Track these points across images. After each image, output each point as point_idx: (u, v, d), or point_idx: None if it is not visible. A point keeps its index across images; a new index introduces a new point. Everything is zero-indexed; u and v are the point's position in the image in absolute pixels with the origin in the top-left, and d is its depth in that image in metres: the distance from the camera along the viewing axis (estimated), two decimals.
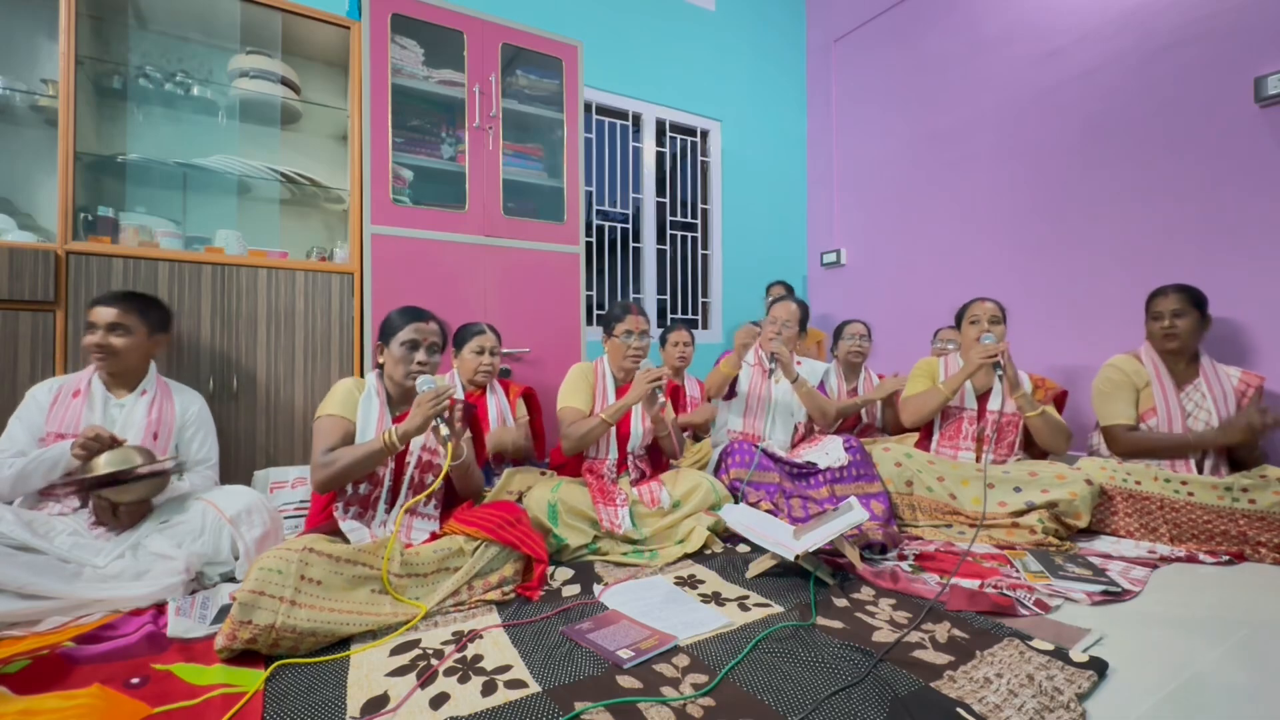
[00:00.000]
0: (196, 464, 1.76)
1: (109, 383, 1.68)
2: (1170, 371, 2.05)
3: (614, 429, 1.96)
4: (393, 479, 1.54)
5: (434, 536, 1.51)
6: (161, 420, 1.69)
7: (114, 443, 1.48)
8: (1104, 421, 2.11)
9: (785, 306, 2.26)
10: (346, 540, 1.41)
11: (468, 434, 1.68)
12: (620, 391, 1.99)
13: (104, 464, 1.43)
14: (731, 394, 2.33)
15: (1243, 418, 1.87)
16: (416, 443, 1.56)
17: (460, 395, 2.12)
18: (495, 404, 2.22)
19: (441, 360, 1.63)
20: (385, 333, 1.59)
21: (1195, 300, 2.03)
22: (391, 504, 1.54)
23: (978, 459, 2.14)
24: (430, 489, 1.47)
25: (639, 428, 1.99)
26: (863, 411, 2.89)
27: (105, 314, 1.63)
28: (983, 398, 2.20)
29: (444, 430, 1.43)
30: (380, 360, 1.60)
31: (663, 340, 2.93)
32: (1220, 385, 1.99)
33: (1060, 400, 2.22)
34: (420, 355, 1.54)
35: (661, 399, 1.83)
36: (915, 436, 2.42)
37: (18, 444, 1.54)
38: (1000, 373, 2.03)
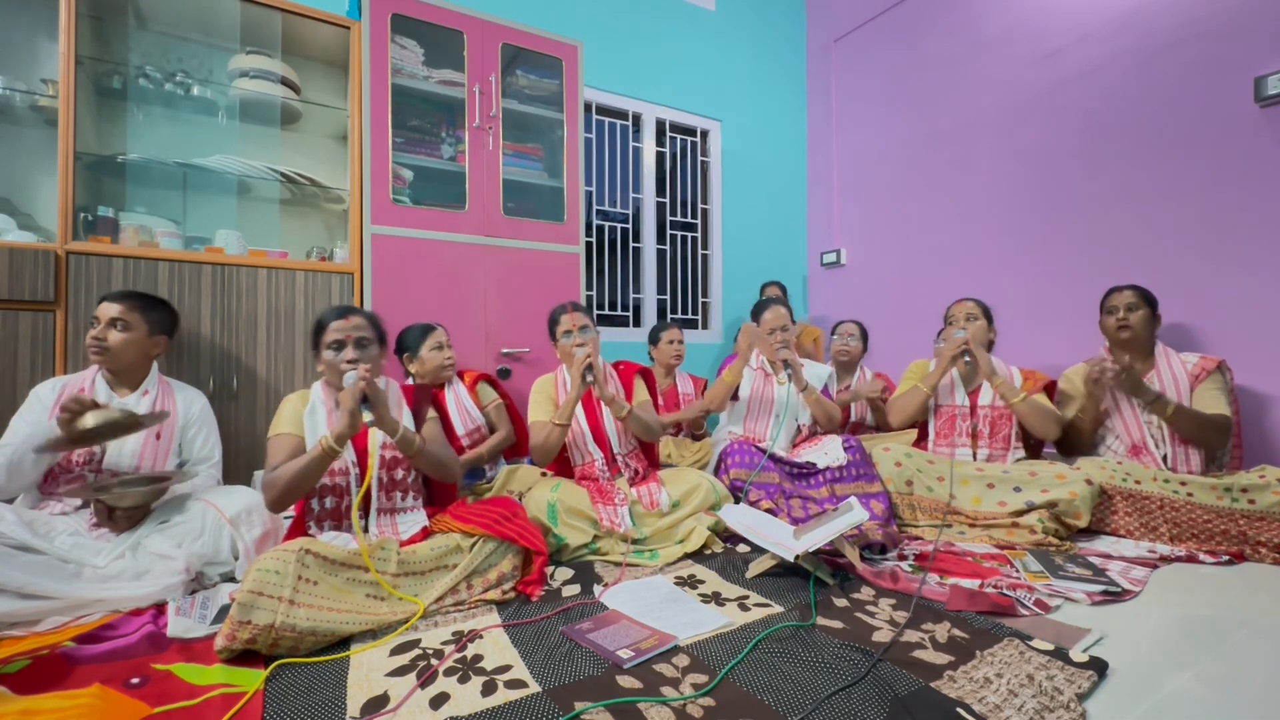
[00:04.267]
0: (199, 462, 1.76)
1: (111, 382, 1.68)
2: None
3: (589, 433, 1.97)
4: (359, 485, 1.48)
5: (425, 531, 1.50)
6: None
7: (94, 405, 1.45)
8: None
9: (775, 312, 2.24)
10: None
11: (433, 415, 1.65)
12: (585, 393, 1.98)
13: (90, 420, 1.40)
14: (733, 398, 2.33)
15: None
16: (377, 443, 1.50)
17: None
18: (454, 396, 2.21)
19: (380, 351, 1.58)
20: (314, 338, 1.55)
21: (1147, 298, 2.16)
22: (366, 509, 1.51)
23: (974, 455, 2.17)
24: (365, 483, 1.42)
25: (613, 427, 1.99)
26: (853, 408, 2.89)
27: (109, 309, 1.64)
28: (974, 394, 2.23)
29: (368, 416, 1.37)
30: (320, 369, 1.56)
31: (655, 338, 2.94)
32: (1173, 372, 2.06)
33: (1050, 390, 2.26)
34: (348, 353, 1.48)
35: (589, 376, 1.80)
36: (912, 435, 2.42)
37: (17, 439, 1.53)
38: (968, 360, 2.15)
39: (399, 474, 1.56)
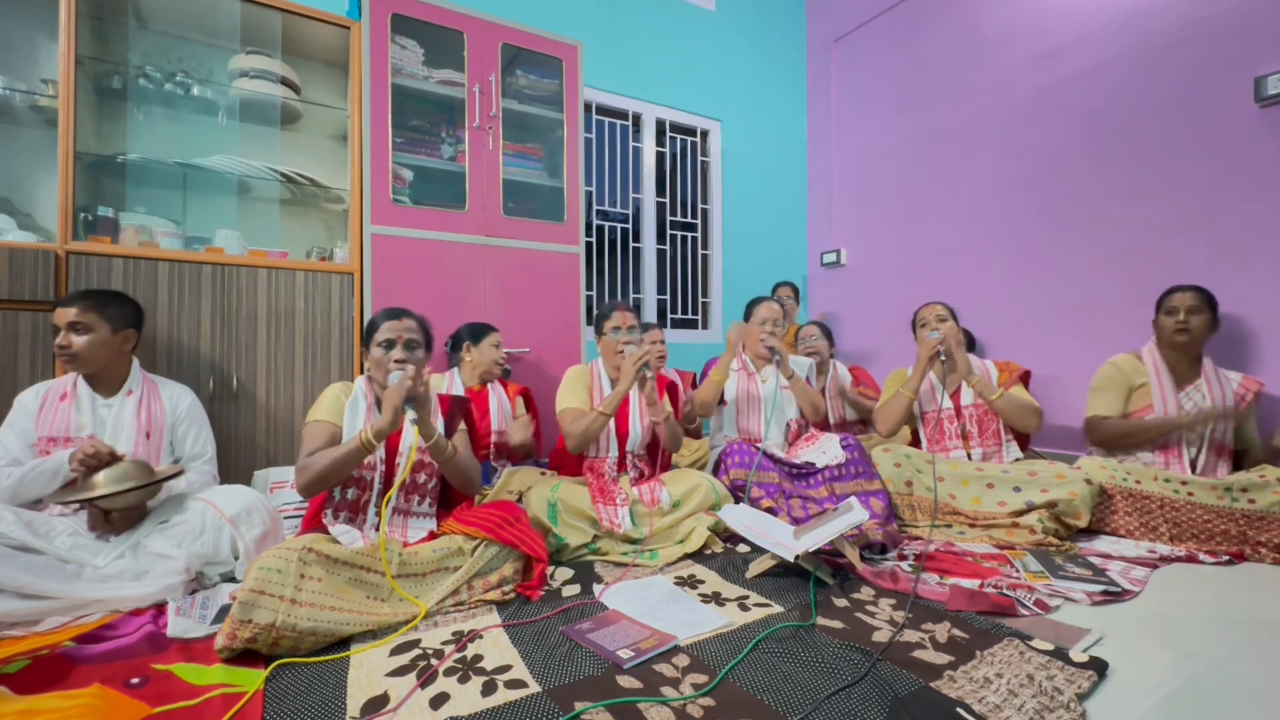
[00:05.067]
0: (192, 459, 1.75)
1: (93, 384, 1.66)
2: (1173, 371, 2.09)
3: (613, 428, 1.97)
4: (383, 482, 1.53)
5: (432, 536, 1.51)
6: (152, 419, 1.68)
7: (112, 458, 1.47)
8: (1087, 413, 2.18)
9: (769, 306, 2.28)
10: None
11: (462, 428, 1.68)
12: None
13: (102, 482, 1.42)
14: (720, 402, 2.33)
15: (1214, 410, 1.95)
16: (407, 444, 1.53)
17: (448, 390, 2.16)
18: (496, 400, 2.29)
19: (425, 356, 1.62)
20: (366, 336, 1.61)
21: (1209, 301, 2.10)
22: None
23: (968, 455, 2.17)
24: (400, 476, 1.46)
25: (637, 426, 2.01)
26: (830, 410, 2.89)
27: (64, 314, 1.60)
28: (955, 395, 2.24)
29: (410, 414, 1.42)
30: (367, 364, 1.60)
31: None
32: (1220, 388, 2.02)
33: (1026, 380, 2.26)
34: (396, 353, 1.53)
35: (649, 374, 1.85)
36: (908, 435, 2.43)
37: (11, 451, 1.54)
38: (943, 359, 2.13)
39: (421, 478, 1.58)
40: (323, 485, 1.42)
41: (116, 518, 1.47)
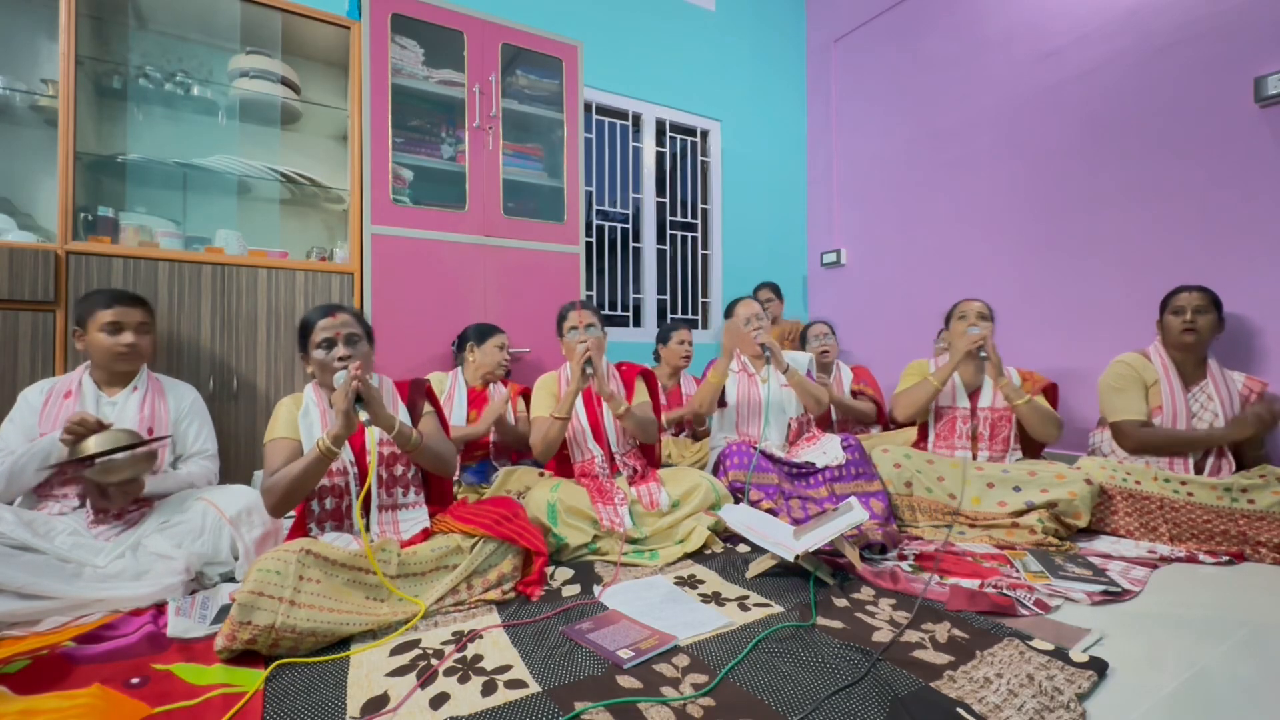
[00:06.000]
0: (195, 455, 1.76)
1: (100, 381, 1.67)
2: (1179, 371, 2.08)
3: (589, 430, 1.97)
4: (359, 484, 1.48)
5: (426, 532, 1.50)
6: (155, 415, 1.69)
7: (100, 426, 1.47)
8: (1114, 416, 2.12)
9: (747, 304, 2.27)
10: None
11: (428, 410, 1.64)
12: (586, 391, 1.99)
13: (93, 446, 1.42)
14: (721, 404, 2.33)
15: (1251, 411, 1.92)
16: (374, 441, 1.48)
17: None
18: (497, 397, 2.31)
19: (369, 349, 1.55)
20: (302, 342, 1.53)
21: (1215, 302, 2.09)
22: (367, 508, 1.49)
23: (974, 457, 2.16)
24: (369, 478, 1.42)
25: (613, 425, 2.00)
26: (832, 412, 2.89)
27: (131, 315, 1.67)
28: (973, 395, 2.22)
29: (363, 415, 1.35)
30: (310, 370, 1.53)
31: (665, 338, 2.94)
32: (1227, 388, 2.02)
33: (1050, 394, 2.25)
34: (340, 350, 1.46)
35: (590, 371, 1.82)
36: (910, 435, 2.42)
37: (10, 446, 1.53)
38: (984, 355, 2.10)
39: (398, 470, 1.55)
40: (292, 502, 1.38)
41: (114, 492, 1.45)
